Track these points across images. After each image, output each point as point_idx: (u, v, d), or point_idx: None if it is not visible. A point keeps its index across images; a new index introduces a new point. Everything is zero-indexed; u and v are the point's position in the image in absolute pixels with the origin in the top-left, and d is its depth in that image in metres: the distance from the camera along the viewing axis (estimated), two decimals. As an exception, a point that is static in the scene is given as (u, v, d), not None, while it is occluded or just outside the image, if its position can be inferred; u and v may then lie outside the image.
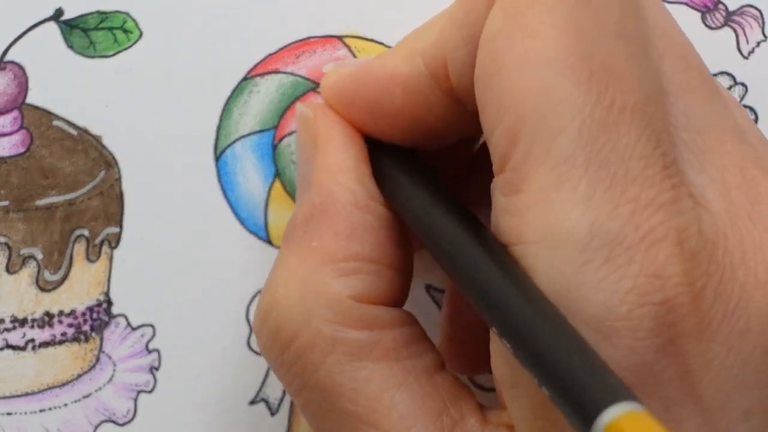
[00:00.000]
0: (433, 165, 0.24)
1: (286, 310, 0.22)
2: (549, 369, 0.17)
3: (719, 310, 0.19)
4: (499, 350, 0.20)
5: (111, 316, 0.28)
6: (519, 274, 0.19)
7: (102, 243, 0.28)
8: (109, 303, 0.28)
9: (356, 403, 0.21)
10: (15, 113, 0.28)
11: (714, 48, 0.30)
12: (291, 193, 0.29)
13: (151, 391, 0.28)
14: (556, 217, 0.18)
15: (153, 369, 0.28)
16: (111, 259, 0.28)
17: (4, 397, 0.27)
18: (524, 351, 0.18)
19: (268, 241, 0.28)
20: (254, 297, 0.28)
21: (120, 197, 0.28)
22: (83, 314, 0.28)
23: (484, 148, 0.22)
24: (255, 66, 0.28)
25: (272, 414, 0.28)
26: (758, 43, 0.30)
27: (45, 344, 0.28)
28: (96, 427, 0.28)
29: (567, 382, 0.17)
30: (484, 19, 0.20)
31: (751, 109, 0.30)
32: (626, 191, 0.18)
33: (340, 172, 0.23)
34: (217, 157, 0.28)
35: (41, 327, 0.28)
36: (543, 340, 0.18)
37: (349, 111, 0.24)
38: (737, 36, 0.30)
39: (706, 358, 0.19)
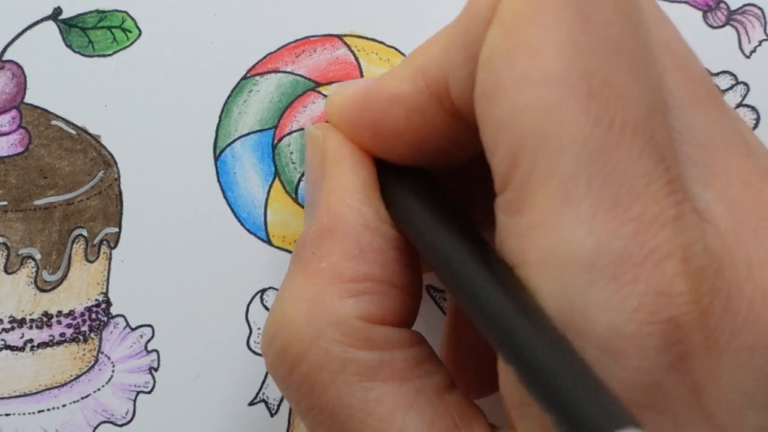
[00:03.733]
0: (441, 184, 0.24)
1: (295, 330, 0.22)
2: (552, 396, 0.17)
3: (727, 326, 0.19)
4: (507, 371, 0.20)
5: (110, 317, 0.28)
6: (524, 298, 0.19)
7: (101, 243, 0.28)
8: (108, 303, 0.28)
9: (366, 424, 0.21)
10: (13, 112, 0.28)
11: (715, 47, 0.30)
12: (291, 193, 0.29)
13: (150, 392, 0.28)
14: (560, 238, 0.18)
15: (152, 369, 0.28)
16: (110, 259, 0.28)
17: (3, 398, 0.27)
18: (528, 377, 0.18)
19: (268, 241, 0.28)
20: (254, 297, 0.28)
21: (119, 197, 0.28)
22: (82, 315, 0.28)
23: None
24: (255, 65, 0.28)
25: (272, 414, 0.28)
26: (760, 42, 0.30)
27: (43, 345, 0.28)
28: (95, 428, 0.28)
29: (570, 408, 0.17)
30: (483, 37, 0.20)
31: (753, 108, 0.30)
32: (630, 209, 0.18)
33: (349, 193, 0.23)
34: (217, 157, 0.28)
35: (40, 327, 0.27)
36: (546, 367, 0.17)
37: (354, 132, 0.24)
38: (739, 35, 0.30)
39: (715, 375, 0.19)
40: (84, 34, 0.28)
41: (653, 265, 0.18)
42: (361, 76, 0.29)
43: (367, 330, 0.21)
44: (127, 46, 0.28)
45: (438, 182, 0.24)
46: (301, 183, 0.29)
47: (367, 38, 0.29)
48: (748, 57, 0.30)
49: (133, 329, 0.28)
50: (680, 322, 0.18)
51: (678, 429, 0.18)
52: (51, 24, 0.28)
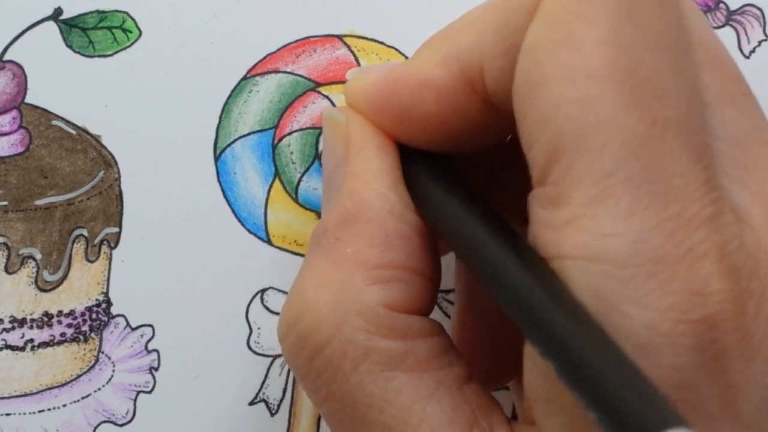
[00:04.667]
0: (464, 171, 0.24)
1: (318, 316, 0.21)
2: (597, 392, 0.17)
3: (761, 327, 0.19)
4: (534, 364, 0.20)
5: (110, 317, 0.28)
6: (561, 290, 0.19)
7: (101, 243, 0.28)
8: (109, 303, 0.28)
9: (387, 413, 0.21)
10: (14, 113, 0.28)
11: (715, 47, 0.30)
12: (291, 193, 0.29)
13: (150, 392, 0.28)
14: (598, 233, 0.18)
15: (152, 369, 0.28)
16: (110, 259, 0.28)
17: (3, 398, 0.27)
18: (570, 372, 0.18)
19: (268, 241, 0.28)
20: (254, 297, 0.28)
21: (119, 197, 0.28)
22: (82, 314, 0.28)
23: (515, 152, 0.21)
24: (255, 65, 0.28)
25: (272, 414, 0.28)
26: (759, 43, 0.30)
27: (44, 344, 0.28)
28: (95, 428, 0.28)
29: (616, 405, 0.17)
30: (525, 29, 0.20)
31: (753, 108, 0.30)
32: (668, 207, 0.18)
33: (374, 178, 0.23)
34: (217, 157, 0.28)
35: (40, 327, 0.27)
36: (590, 363, 0.17)
37: (378, 118, 0.24)
38: (738, 35, 0.30)
39: (746, 375, 0.19)
40: (84, 34, 0.28)
41: (689, 264, 0.18)
42: (361, 76, 0.29)
43: (391, 318, 0.21)
44: (128, 47, 0.28)
45: (456, 168, 0.24)
46: (302, 183, 0.29)
47: (367, 38, 0.29)
48: (747, 57, 0.30)
49: (133, 329, 0.28)
50: (715, 322, 0.18)
51: (708, 427, 0.18)
52: (51, 24, 0.28)
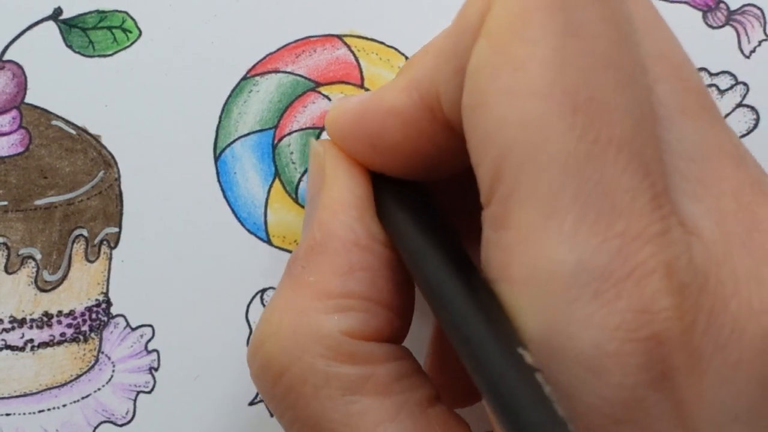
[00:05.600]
0: (432, 196, 0.24)
1: (279, 342, 0.22)
2: (511, 423, 0.18)
3: (710, 342, 0.19)
4: None
5: (110, 317, 0.28)
6: (500, 323, 0.19)
7: (101, 243, 0.28)
8: (108, 303, 0.28)
9: None
10: (14, 113, 0.28)
11: (715, 47, 0.30)
12: (291, 193, 0.29)
13: (150, 392, 0.28)
14: (543, 254, 0.18)
15: (152, 369, 0.28)
16: (110, 259, 0.28)
17: (3, 398, 0.27)
18: (492, 405, 0.18)
19: (268, 241, 0.28)
20: (254, 297, 0.28)
21: (119, 197, 0.28)
22: (82, 314, 0.28)
23: None
24: (254, 65, 0.28)
25: (272, 414, 0.28)
26: (760, 42, 0.30)
27: (44, 344, 0.28)
28: (95, 428, 0.28)
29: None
30: (472, 49, 0.20)
31: (753, 108, 0.30)
32: (613, 225, 0.18)
33: (343, 209, 0.23)
34: (217, 157, 0.28)
35: (40, 327, 0.27)
36: (510, 400, 0.18)
37: (351, 146, 0.24)
38: (738, 35, 0.30)
39: (698, 392, 0.18)
40: (84, 34, 0.28)
41: (636, 281, 0.18)
42: (361, 76, 0.29)
43: (351, 345, 0.21)
44: (128, 47, 0.28)
45: (430, 195, 0.24)
46: (302, 183, 0.29)
47: (367, 38, 0.29)
48: (747, 57, 0.30)
49: (133, 329, 0.28)
50: (662, 339, 0.18)
51: None
52: (51, 24, 0.28)
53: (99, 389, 0.28)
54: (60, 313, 0.28)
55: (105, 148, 0.28)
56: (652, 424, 0.18)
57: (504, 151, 0.19)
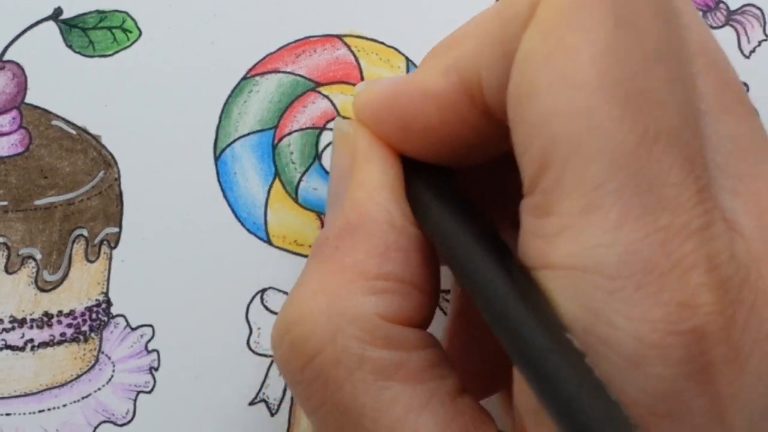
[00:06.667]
0: (468, 182, 0.24)
1: (313, 323, 0.21)
2: (564, 412, 0.17)
3: (750, 337, 0.19)
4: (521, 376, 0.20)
5: (110, 317, 0.28)
6: (542, 308, 0.19)
7: (101, 243, 0.28)
8: (109, 303, 0.28)
9: (379, 423, 0.21)
10: (14, 113, 0.28)
11: (715, 47, 0.30)
12: (291, 193, 0.29)
13: (150, 392, 0.28)
14: (586, 244, 0.18)
15: (152, 369, 0.28)
16: (110, 259, 0.28)
17: (3, 398, 0.27)
18: (541, 390, 0.18)
19: (268, 241, 0.28)
20: (254, 297, 0.28)
21: (119, 197, 0.28)
22: (82, 314, 0.28)
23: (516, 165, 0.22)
24: (254, 65, 0.28)
25: (272, 414, 0.28)
26: (759, 42, 0.30)
27: (44, 344, 0.28)
28: (95, 428, 0.28)
29: (577, 420, 0.17)
30: (520, 37, 0.20)
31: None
32: (658, 219, 0.18)
33: (377, 190, 0.23)
34: (217, 157, 0.28)
35: (40, 327, 0.27)
36: (560, 383, 0.18)
37: (382, 129, 0.24)
38: (738, 35, 0.30)
39: (736, 386, 0.19)
40: (84, 34, 0.28)
41: (678, 275, 0.18)
42: (361, 76, 0.29)
43: (386, 329, 0.21)
44: (128, 47, 0.28)
45: (458, 180, 0.24)
46: (302, 183, 0.29)
47: (367, 38, 0.29)
48: (747, 57, 0.30)
49: (133, 329, 0.28)
50: (703, 333, 0.18)
51: None
52: (51, 24, 0.28)
53: (99, 389, 0.28)
54: (60, 313, 0.28)
55: (105, 148, 0.28)
56: (690, 418, 0.18)
57: (552, 141, 0.19)
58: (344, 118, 0.28)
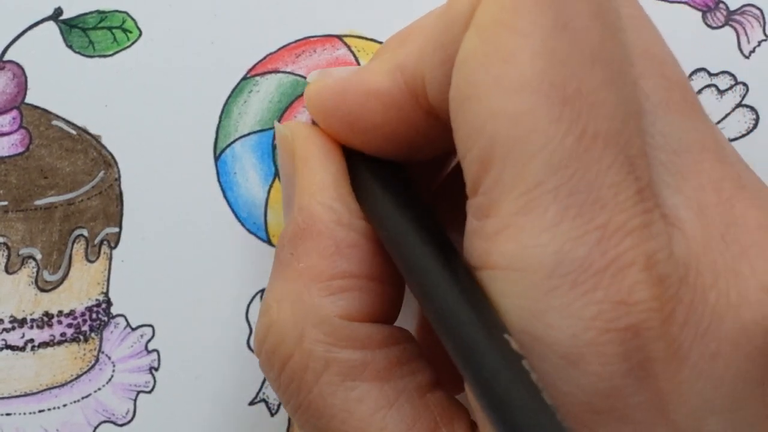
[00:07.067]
0: (410, 177, 0.24)
1: (281, 331, 0.22)
2: (498, 416, 0.18)
3: (689, 333, 0.19)
4: None
5: (110, 317, 0.28)
6: (483, 309, 0.19)
7: (101, 243, 0.28)
8: (109, 303, 0.28)
9: (348, 423, 0.21)
10: (14, 113, 0.28)
11: (715, 47, 0.30)
12: (291, 193, 0.29)
13: (150, 392, 0.28)
14: (524, 243, 0.19)
15: (152, 369, 0.28)
16: (110, 259, 0.28)
17: (3, 398, 0.27)
18: (476, 392, 0.18)
19: (268, 241, 0.28)
20: (254, 297, 0.28)
21: (119, 197, 0.28)
22: (82, 314, 0.28)
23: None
24: (255, 65, 0.28)
25: (272, 414, 0.28)
26: (759, 43, 0.30)
27: (44, 344, 0.28)
28: (95, 428, 0.28)
29: (513, 429, 0.17)
30: (461, 39, 0.20)
31: (752, 108, 0.30)
32: (595, 218, 0.18)
33: (320, 190, 0.23)
34: (217, 157, 0.28)
35: (40, 327, 0.27)
36: (494, 386, 0.18)
37: (330, 123, 0.24)
38: (738, 35, 0.30)
39: (676, 382, 0.19)
40: (84, 34, 0.28)
41: (614, 273, 0.18)
42: (361, 76, 0.29)
43: (349, 328, 0.22)
44: (128, 47, 0.28)
45: (407, 175, 0.24)
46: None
47: (367, 38, 0.29)
48: (747, 57, 0.30)
49: (133, 329, 0.28)
50: (640, 330, 0.18)
51: None
52: (52, 24, 0.28)
53: (99, 389, 0.28)
54: (60, 313, 0.28)
55: (105, 148, 0.28)
56: (631, 414, 0.19)
57: (491, 142, 0.19)
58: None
